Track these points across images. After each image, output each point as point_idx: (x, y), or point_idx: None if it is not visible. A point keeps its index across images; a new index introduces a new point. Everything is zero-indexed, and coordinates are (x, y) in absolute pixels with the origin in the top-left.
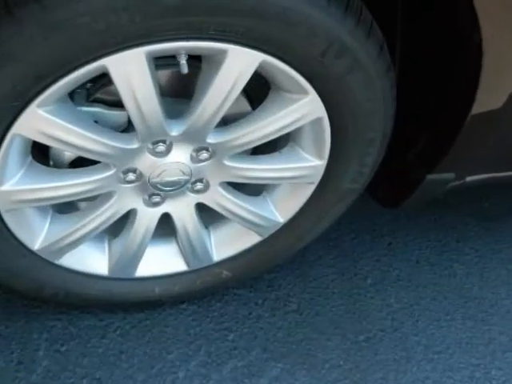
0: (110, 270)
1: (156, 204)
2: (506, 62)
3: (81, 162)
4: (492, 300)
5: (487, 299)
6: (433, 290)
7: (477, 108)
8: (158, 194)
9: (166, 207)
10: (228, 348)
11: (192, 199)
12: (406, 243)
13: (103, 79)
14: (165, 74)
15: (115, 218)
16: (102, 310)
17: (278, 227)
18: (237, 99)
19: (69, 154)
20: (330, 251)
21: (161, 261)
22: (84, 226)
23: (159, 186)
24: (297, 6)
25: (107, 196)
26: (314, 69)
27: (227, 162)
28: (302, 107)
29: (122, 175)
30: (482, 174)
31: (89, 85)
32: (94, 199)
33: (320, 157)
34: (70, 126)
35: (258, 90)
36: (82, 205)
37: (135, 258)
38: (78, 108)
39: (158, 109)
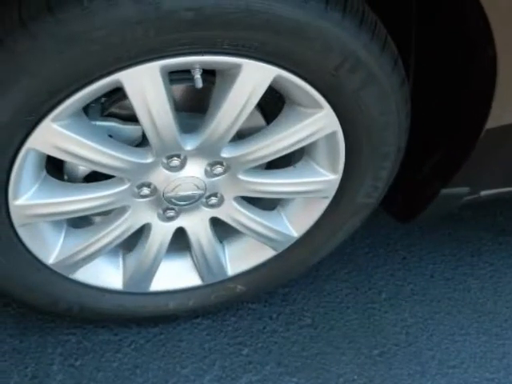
0: (125, 284)
1: (170, 218)
2: None
3: (95, 177)
4: (506, 314)
5: (501, 313)
6: (447, 304)
7: (491, 122)
8: (172, 209)
9: (181, 222)
10: (242, 362)
11: (206, 213)
12: (421, 257)
13: (118, 93)
14: (179, 89)
15: (129, 233)
16: (116, 324)
17: (292, 242)
18: (251, 113)
19: (83, 169)
20: (344, 265)
21: (175, 275)
22: (98, 240)
23: (173, 200)
24: (311, 21)
25: (121, 210)
26: (328, 83)
27: (242, 177)
28: (316, 121)
29: (136, 190)
30: (497, 188)
31: (103, 99)
32: (109, 213)
33: (334, 171)
34: (84, 140)
35: (273, 105)
36: (97, 219)
37: (149, 272)
38: (93, 122)
39: (172, 123)
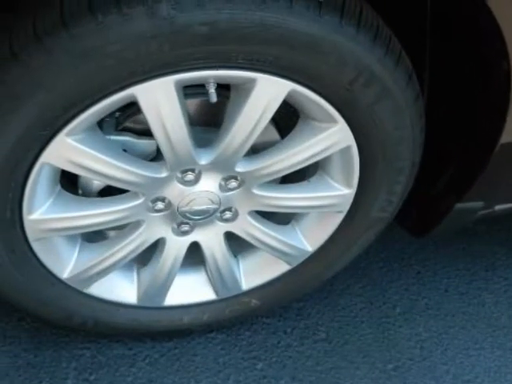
0: (139, 298)
1: (185, 233)
2: None
3: (109, 191)
4: None
5: None
6: (461, 318)
7: (506, 137)
8: (186, 223)
9: (195, 236)
10: (257, 377)
11: (221, 228)
12: (435, 272)
13: (132, 108)
14: (194, 103)
15: (144, 247)
16: (130, 338)
17: (306, 256)
18: (265, 128)
19: (97, 183)
20: (358, 280)
21: (189, 290)
22: (113, 254)
23: (188, 214)
24: (326, 35)
25: (136, 225)
26: (342, 97)
27: (256, 191)
28: (330, 136)
29: (150, 204)
30: (511, 202)
31: (118, 113)
32: (123, 228)
33: (349, 185)
34: (98, 154)
35: (287, 119)
36: (111, 233)
37: (164, 286)
38: (107, 137)
39: (186, 138)
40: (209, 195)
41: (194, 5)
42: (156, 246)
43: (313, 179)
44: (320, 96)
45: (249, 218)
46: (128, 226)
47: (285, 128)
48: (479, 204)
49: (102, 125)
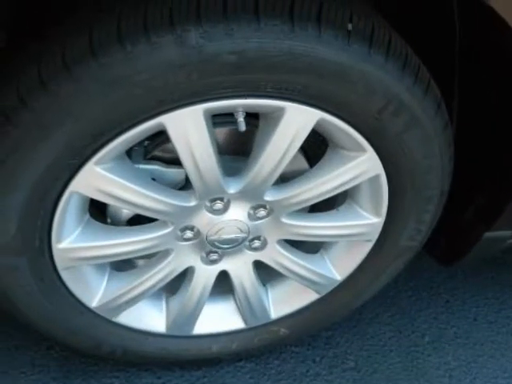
0: (168, 327)
1: (213, 262)
2: None
3: (138, 220)
4: None
5: None
6: (490, 347)
7: None
8: (215, 252)
9: (224, 265)
10: None
11: (249, 257)
12: (464, 301)
13: (161, 137)
14: (222, 132)
15: (173, 276)
16: (159, 367)
17: (335, 285)
18: (294, 156)
19: (126, 212)
20: (387, 309)
21: (218, 318)
22: (142, 283)
23: (217, 243)
24: (354, 64)
25: (165, 253)
26: (371, 126)
27: (285, 220)
28: (359, 165)
29: (179, 233)
30: None
31: (146, 142)
32: (152, 257)
33: (377, 214)
34: (127, 183)
35: (316, 147)
36: (140, 262)
37: (193, 315)
38: (136, 165)
39: (215, 166)
40: (237, 224)
41: (222, 34)
42: (185, 275)
43: (341, 208)
44: (349, 125)
45: (277, 247)
46: (157, 255)
47: (313, 157)
48: (508, 233)
49: (131, 153)
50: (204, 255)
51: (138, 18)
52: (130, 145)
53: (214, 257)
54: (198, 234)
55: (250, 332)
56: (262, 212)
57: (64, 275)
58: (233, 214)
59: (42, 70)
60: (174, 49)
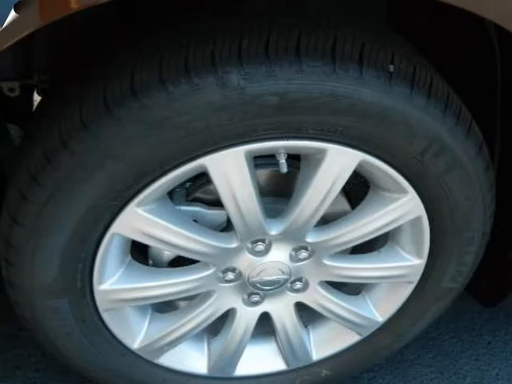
0: (209, 369)
1: (255, 303)
2: None
3: (180, 261)
4: None
5: None
6: None
7: None
8: (257, 293)
9: (265, 306)
10: None
11: (291, 298)
12: (506, 342)
13: (202, 178)
14: (264, 173)
15: (214, 318)
16: None
17: (377, 326)
18: (336, 198)
19: (168, 253)
20: (429, 350)
21: (260, 360)
22: (183, 325)
23: (258, 285)
24: (396, 106)
25: (206, 295)
26: (413, 168)
27: (327, 261)
28: (401, 206)
29: (221, 274)
30: None
31: (188, 184)
32: (193, 298)
33: (419, 256)
34: (169, 225)
35: (357, 189)
36: (181, 304)
37: (234, 357)
38: (178, 207)
39: (257, 208)
40: (279, 265)
41: (264, 75)
42: (226, 316)
43: (383, 249)
44: (390, 166)
45: (319, 289)
46: (198, 297)
47: (355, 198)
48: None
49: (173, 195)
50: (246, 297)
51: (180, 59)
52: (172, 186)
53: (255, 298)
54: (239, 276)
55: (291, 373)
56: (304, 254)
57: (106, 317)
58: (274, 255)
59: (83, 111)
60: (216, 90)
